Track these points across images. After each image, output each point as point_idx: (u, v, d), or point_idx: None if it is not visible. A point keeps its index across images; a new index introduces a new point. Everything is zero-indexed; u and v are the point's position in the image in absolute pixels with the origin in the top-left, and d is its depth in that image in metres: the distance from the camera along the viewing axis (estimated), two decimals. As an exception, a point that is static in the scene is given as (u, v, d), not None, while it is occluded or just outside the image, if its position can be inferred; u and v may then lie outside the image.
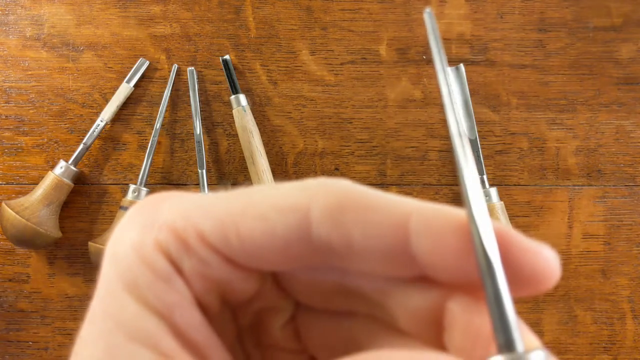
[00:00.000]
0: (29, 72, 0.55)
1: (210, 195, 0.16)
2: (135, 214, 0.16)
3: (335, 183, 0.15)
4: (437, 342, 0.15)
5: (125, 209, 0.52)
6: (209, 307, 0.16)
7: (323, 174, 0.55)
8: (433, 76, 0.55)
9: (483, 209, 0.13)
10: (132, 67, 0.54)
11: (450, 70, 0.15)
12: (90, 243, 0.51)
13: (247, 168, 0.54)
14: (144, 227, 0.16)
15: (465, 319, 0.14)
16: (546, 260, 0.14)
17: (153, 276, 0.15)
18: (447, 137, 0.55)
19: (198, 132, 0.54)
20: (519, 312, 0.55)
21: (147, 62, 0.55)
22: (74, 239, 0.55)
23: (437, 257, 0.14)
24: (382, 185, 0.55)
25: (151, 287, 0.15)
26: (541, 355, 0.12)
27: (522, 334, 0.13)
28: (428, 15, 0.16)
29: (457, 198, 0.55)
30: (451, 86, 0.15)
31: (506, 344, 0.13)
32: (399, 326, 0.16)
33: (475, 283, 0.14)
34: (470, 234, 0.14)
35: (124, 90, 0.54)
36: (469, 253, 0.14)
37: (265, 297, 0.17)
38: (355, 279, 0.16)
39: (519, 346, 0.12)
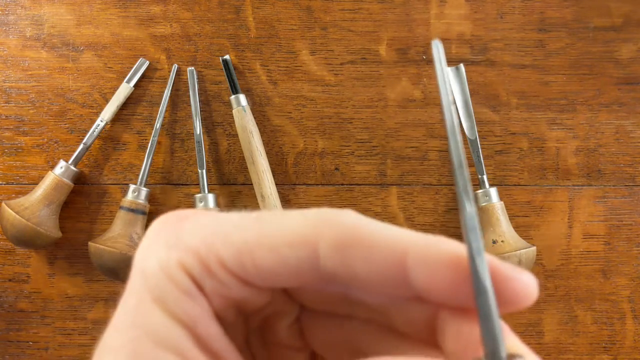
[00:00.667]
0: (29, 72, 0.55)
1: (228, 220, 0.18)
2: (160, 230, 0.18)
3: (341, 216, 0.17)
4: (433, 342, 0.17)
5: (126, 209, 0.52)
6: (225, 318, 0.18)
7: (323, 174, 0.55)
8: (433, 76, 0.55)
9: (480, 249, 0.15)
10: (132, 67, 0.54)
11: (455, 105, 0.16)
12: (90, 243, 0.51)
13: (247, 168, 0.54)
14: (169, 247, 0.18)
15: (456, 326, 0.16)
16: (526, 284, 0.16)
17: (179, 292, 0.17)
18: (447, 137, 0.55)
19: (198, 132, 0.54)
20: (520, 312, 0.55)
21: (147, 62, 0.55)
22: (74, 239, 0.55)
23: (432, 287, 0.16)
24: (382, 185, 0.55)
25: (177, 301, 0.17)
26: None
27: (509, 341, 0.16)
28: (436, 45, 0.17)
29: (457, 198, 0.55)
30: (456, 120, 0.16)
31: (492, 353, 0.15)
32: (397, 329, 0.18)
33: (464, 303, 0.16)
34: (463, 266, 0.16)
35: (124, 90, 0.54)
36: (459, 283, 0.16)
37: (275, 304, 0.20)
38: (357, 293, 0.18)
39: (503, 353, 0.15)
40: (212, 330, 0.17)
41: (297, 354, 0.20)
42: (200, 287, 0.17)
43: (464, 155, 0.16)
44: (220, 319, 0.18)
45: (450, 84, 0.15)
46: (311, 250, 0.17)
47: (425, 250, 0.16)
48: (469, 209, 0.16)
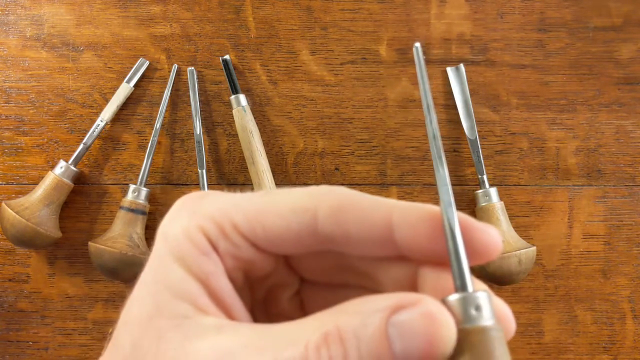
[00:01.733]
0: (29, 72, 0.55)
1: (241, 195, 0.21)
2: (181, 205, 0.21)
3: (336, 190, 0.20)
4: None
5: (126, 209, 0.52)
6: (235, 279, 0.21)
7: (323, 174, 0.55)
8: (433, 76, 0.55)
9: (451, 202, 0.18)
10: (132, 67, 0.54)
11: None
12: (90, 243, 0.51)
13: (247, 168, 0.54)
14: (190, 215, 0.20)
15: (435, 277, 0.19)
16: (492, 237, 0.19)
17: (196, 250, 0.20)
18: (447, 137, 0.55)
19: (198, 132, 0.54)
20: (520, 312, 0.55)
21: (147, 62, 0.55)
22: (74, 239, 0.55)
23: (413, 243, 0.19)
24: (382, 185, 0.55)
25: (194, 258, 0.19)
26: (484, 294, 0.18)
27: (473, 283, 0.19)
28: (416, 50, 0.20)
29: (457, 198, 0.55)
30: (430, 99, 0.20)
31: (461, 287, 0.18)
32: (385, 291, 0.21)
33: (440, 259, 0.19)
34: (439, 223, 0.19)
35: (124, 90, 0.54)
36: (436, 238, 0.19)
37: (278, 274, 0.22)
38: (349, 259, 0.21)
39: (470, 288, 0.18)
40: (224, 286, 0.20)
41: None
42: (215, 247, 0.20)
43: (438, 129, 0.19)
44: (231, 278, 0.20)
45: (425, 69, 0.19)
46: (311, 216, 0.20)
47: (408, 211, 0.19)
48: (442, 171, 0.19)
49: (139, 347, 0.19)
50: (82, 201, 0.55)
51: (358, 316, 0.17)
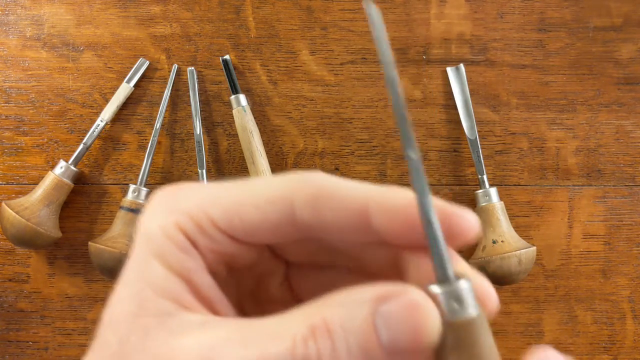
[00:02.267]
0: (29, 72, 0.55)
1: (217, 187, 0.21)
2: (159, 201, 0.21)
3: (312, 177, 0.20)
4: (400, 279, 0.20)
5: (126, 209, 0.52)
6: (218, 274, 0.21)
7: (323, 174, 0.55)
8: (433, 76, 0.55)
9: (425, 191, 0.18)
10: (132, 67, 0.54)
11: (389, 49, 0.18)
12: (90, 243, 0.51)
13: (247, 168, 0.54)
14: (167, 212, 0.20)
15: (416, 262, 0.19)
16: (468, 219, 0.19)
17: (176, 248, 0.20)
18: (447, 137, 0.55)
19: (198, 132, 0.54)
20: (520, 312, 0.55)
21: (147, 62, 0.55)
22: (74, 239, 0.55)
23: (391, 229, 0.19)
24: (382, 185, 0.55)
25: (174, 256, 0.20)
26: (466, 284, 0.18)
27: (458, 266, 0.19)
28: (371, 9, 0.19)
29: (457, 198, 0.55)
30: (397, 79, 0.19)
31: (442, 277, 0.18)
32: (370, 271, 0.21)
33: (420, 244, 0.19)
34: (415, 209, 0.19)
35: (124, 90, 0.54)
36: (413, 223, 0.19)
37: (263, 263, 0.22)
38: (332, 242, 0.21)
39: (451, 277, 0.18)
40: (206, 281, 0.20)
41: (288, 308, 0.22)
42: (194, 244, 0.20)
43: (406, 111, 0.19)
44: (213, 273, 0.21)
45: (388, 43, 0.19)
46: (288, 205, 0.20)
47: (384, 198, 0.19)
48: (414, 156, 0.19)
49: (125, 344, 0.19)
50: (82, 201, 0.55)
51: (344, 308, 0.18)
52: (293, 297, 0.21)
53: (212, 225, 0.20)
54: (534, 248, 0.51)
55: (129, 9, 0.55)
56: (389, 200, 0.19)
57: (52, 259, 0.55)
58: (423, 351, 0.17)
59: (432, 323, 0.17)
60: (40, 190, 0.52)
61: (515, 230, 0.53)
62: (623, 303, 0.55)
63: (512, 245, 0.50)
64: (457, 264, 0.19)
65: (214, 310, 0.20)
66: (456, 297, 0.18)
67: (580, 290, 0.55)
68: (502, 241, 0.51)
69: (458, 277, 0.18)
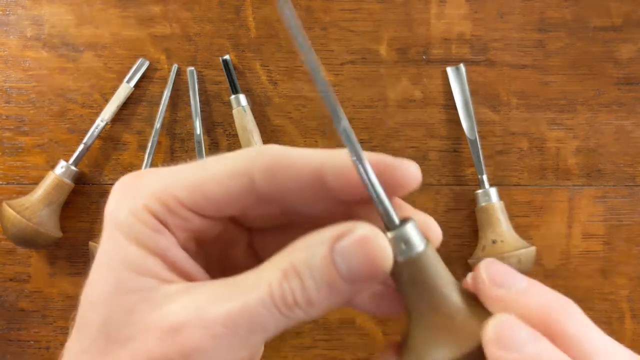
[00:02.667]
0: (30, 72, 0.55)
1: (177, 168, 0.22)
2: (122, 188, 0.22)
3: (267, 149, 0.22)
4: None
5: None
6: (188, 249, 0.22)
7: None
8: (433, 76, 0.55)
9: (360, 153, 0.20)
10: (132, 67, 0.54)
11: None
12: (90, 243, 0.52)
13: (247, 168, 0.54)
14: (134, 197, 0.21)
15: (367, 215, 0.22)
16: (409, 169, 0.21)
17: (148, 229, 0.21)
18: (447, 137, 0.55)
19: (198, 132, 0.54)
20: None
21: (147, 62, 0.55)
22: (74, 238, 0.55)
23: (343, 187, 0.21)
24: (382, 185, 0.55)
25: (148, 237, 0.21)
26: (410, 225, 0.20)
27: (402, 211, 0.22)
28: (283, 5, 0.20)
29: (458, 198, 0.55)
30: (321, 72, 0.20)
31: (389, 225, 0.20)
32: (327, 225, 0.23)
33: (368, 198, 0.21)
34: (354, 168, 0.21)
35: (124, 90, 0.54)
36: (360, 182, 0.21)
37: (227, 233, 0.24)
38: (291, 206, 0.23)
39: (396, 223, 0.20)
40: (180, 257, 0.21)
41: None
42: (164, 224, 0.21)
43: (330, 88, 0.20)
44: (184, 249, 0.22)
45: (303, 32, 0.20)
46: (248, 178, 0.21)
47: (335, 160, 0.21)
48: (343, 123, 0.20)
49: (108, 323, 0.20)
50: (83, 201, 0.55)
51: (307, 250, 0.20)
52: (258, 261, 0.22)
53: (178, 204, 0.21)
54: (534, 248, 0.51)
55: (129, 9, 0.55)
56: (340, 162, 0.21)
57: (52, 258, 0.55)
58: (379, 277, 0.20)
59: (382, 252, 0.19)
60: (40, 190, 0.52)
61: (515, 230, 0.53)
62: (622, 303, 0.55)
63: (512, 245, 0.50)
64: (401, 209, 0.22)
65: (190, 279, 0.21)
66: (403, 239, 0.20)
67: (579, 290, 0.55)
68: (502, 241, 0.51)
69: (403, 221, 0.20)
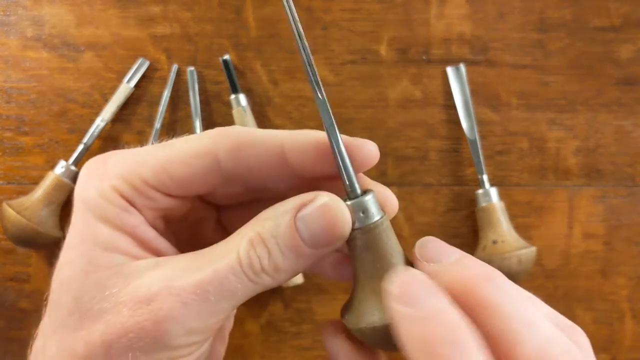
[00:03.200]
0: (30, 73, 0.55)
1: (143, 149, 0.23)
2: (89, 171, 0.23)
3: (231, 130, 0.22)
4: None
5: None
6: (157, 227, 0.23)
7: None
8: (433, 76, 0.55)
9: (333, 123, 0.22)
10: (132, 67, 0.54)
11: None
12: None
13: (247, 168, 0.54)
14: (102, 178, 0.22)
15: (326, 189, 0.22)
16: (370, 148, 0.22)
17: (117, 209, 0.22)
18: (447, 137, 0.55)
19: (198, 132, 0.54)
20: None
21: (147, 62, 0.55)
22: (74, 238, 0.55)
23: (305, 164, 0.22)
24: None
25: (116, 216, 0.21)
26: (370, 196, 0.22)
27: (363, 183, 0.23)
28: None
29: (457, 198, 0.55)
30: (306, 45, 0.22)
31: (351, 194, 0.22)
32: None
33: (326, 173, 0.23)
34: (324, 145, 0.22)
35: (124, 90, 0.54)
36: (323, 158, 0.22)
37: (195, 211, 0.25)
38: (256, 183, 0.24)
39: (358, 193, 0.22)
40: (149, 234, 0.22)
41: None
42: (132, 203, 0.22)
43: (311, 55, 0.22)
44: (153, 227, 0.23)
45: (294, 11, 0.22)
46: (213, 158, 0.22)
47: (296, 138, 0.22)
48: (320, 96, 0.22)
49: (81, 300, 0.21)
50: (83, 201, 0.55)
51: (272, 220, 0.21)
52: (227, 235, 0.23)
53: (145, 184, 0.22)
54: (534, 248, 0.51)
55: (129, 9, 0.55)
56: (301, 140, 0.22)
57: (52, 258, 0.55)
58: (339, 242, 0.21)
59: (342, 218, 0.21)
60: (40, 190, 0.52)
61: (516, 231, 0.53)
62: (622, 303, 0.55)
63: (512, 245, 0.50)
64: (362, 181, 0.23)
65: (160, 255, 0.22)
66: (362, 208, 0.22)
67: (579, 290, 0.55)
68: (502, 241, 0.51)
69: (364, 192, 0.22)
